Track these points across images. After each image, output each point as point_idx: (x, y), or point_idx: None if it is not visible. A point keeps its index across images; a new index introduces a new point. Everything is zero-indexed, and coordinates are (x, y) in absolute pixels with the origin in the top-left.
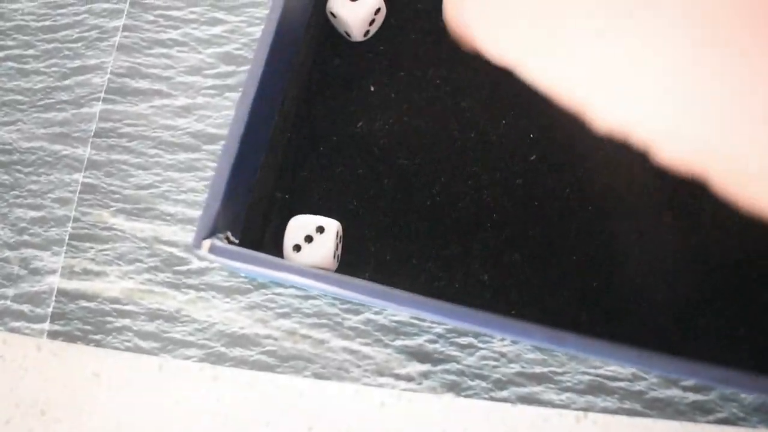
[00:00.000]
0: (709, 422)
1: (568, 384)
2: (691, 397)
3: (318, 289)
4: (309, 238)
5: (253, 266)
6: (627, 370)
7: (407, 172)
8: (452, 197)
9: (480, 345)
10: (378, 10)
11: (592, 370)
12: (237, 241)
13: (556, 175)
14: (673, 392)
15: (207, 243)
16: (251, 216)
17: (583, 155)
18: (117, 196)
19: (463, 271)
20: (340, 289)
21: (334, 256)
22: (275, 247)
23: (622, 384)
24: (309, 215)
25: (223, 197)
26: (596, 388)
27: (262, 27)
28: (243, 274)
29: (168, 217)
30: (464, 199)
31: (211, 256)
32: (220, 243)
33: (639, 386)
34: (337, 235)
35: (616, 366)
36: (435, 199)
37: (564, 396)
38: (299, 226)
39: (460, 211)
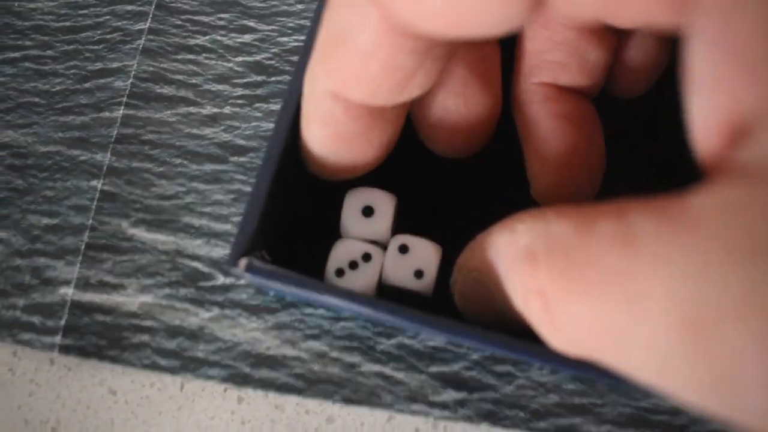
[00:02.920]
0: None
1: (609, 416)
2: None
3: (360, 314)
4: (354, 265)
5: (295, 288)
6: (667, 403)
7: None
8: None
9: (518, 374)
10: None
11: (633, 403)
12: (270, 259)
13: None
14: (716, 426)
15: (244, 261)
16: (284, 233)
17: None
18: (138, 205)
19: None
20: (388, 315)
21: (376, 290)
22: (308, 266)
23: (663, 417)
24: (355, 241)
25: (262, 213)
26: (637, 421)
27: (304, 36)
28: (272, 293)
29: (192, 230)
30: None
31: (248, 276)
32: (257, 262)
33: (681, 420)
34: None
35: (657, 399)
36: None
37: (604, 428)
38: (345, 250)
39: None
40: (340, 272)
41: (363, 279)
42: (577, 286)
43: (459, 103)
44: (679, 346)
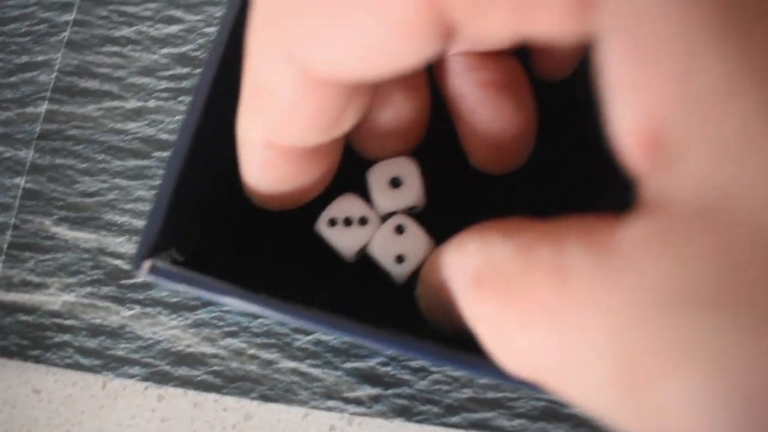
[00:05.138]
0: None
1: (522, 410)
2: None
3: (258, 313)
4: (348, 222)
5: (195, 289)
6: None
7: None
8: None
9: (432, 369)
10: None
11: (545, 396)
12: (182, 259)
13: None
14: None
15: (147, 264)
16: (205, 230)
17: None
18: (60, 203)
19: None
20: (280, 314)
21: (355, 255)
22: (234, 262)
23: (574, 410)
24: (360, 201)
25: (168, 211)
26: (549, 414)
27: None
28: None
29: (114, 228)
30: None
31: (152, 278)
32: (161, 264)
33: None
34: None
35: None
36: None
37: (516, 422)
38: (348, 205)
39: None
40: (332, 222)
41: (349, 239)
42: (518, 318)
43: (387, 113)
44: (611, 389)
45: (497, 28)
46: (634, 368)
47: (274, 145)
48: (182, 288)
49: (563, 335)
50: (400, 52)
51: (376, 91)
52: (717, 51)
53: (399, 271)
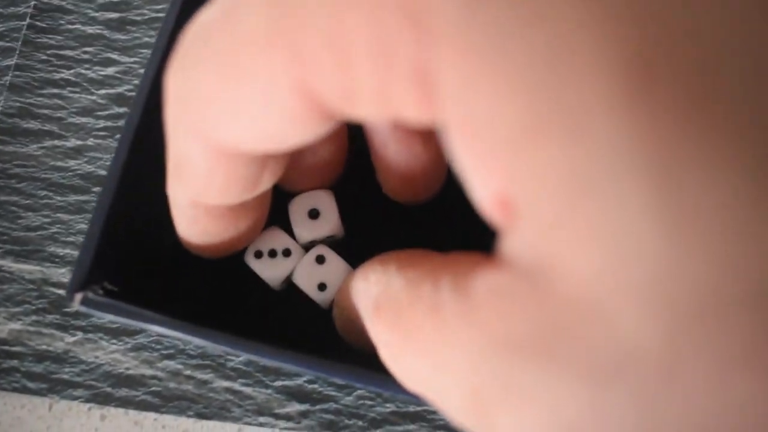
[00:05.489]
0: None
1: (441, 422)
2: None
3: (184, 339)
4: (273, 253)
5: (123, 318)
6: None
7: None
8: None
9: (356, 385)
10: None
11: None
12: (116, 289)
13: None
14: None
15: (79, 296)
16: (137, 261)
17: None
18: (5, 237)
19: None
20: (201, 340)
21: (281, 284)
22: (162, 294)
23: None
24: (284, 234)
25: (99, 244)
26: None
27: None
28: None
29: (57, 259)
30: None
31: (84, 308)
32: (92, 295)
33: None
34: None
35: None
36: None
37: None
38: (272, 238)
39: None
40: (258, 254)
41: (274, 270)
42: (405, 344)
43: (307, 155)
44: (467, 414)
45: (370, 115)
46: (480, 400)
47: (199, 204)
48: (111, 317)
49: (434, 362)
50: (290, 133)
51: (291, 154)
52: (540, 138)
53: (322, 298)
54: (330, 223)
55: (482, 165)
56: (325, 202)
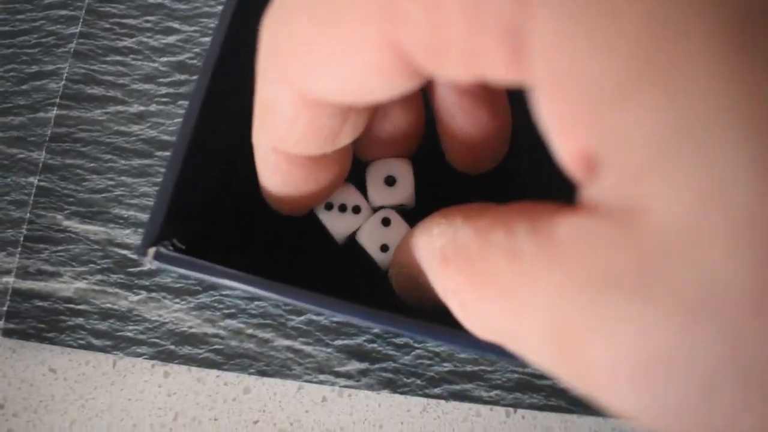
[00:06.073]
0: None
1: (498, 382)
2: None
3: (251, 293)
4: (343, 208)
5: (195, 272)
6: None
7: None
8: None
9: (415, 345)
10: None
11: (520, 369)
12: (183, 247)
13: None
14: None
15: (152, 250)
16: (205, 220)
17: None
18: (71, 199)
19: None
20: (270, 293)
21: (345, 239)
22: (227, 252)
23: (548, 382)
24: (356, 191)
25: (170, 204)
26: (524, 386)
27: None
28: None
29: (121, 221)
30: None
31: (156, 263)
32: (164, 250)
33: (564, 384)
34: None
35: None
36: None
37: (493, 393)
38: (346, 193)
39: None
40: (329, 206)
41: (341, 224)
42: (480, 291)
43: (385, 125)
44: (550, 351)
45: (455, 74)
46: (565, 336)
47: (281, 152)
48: (183, 272)
49: (514, 306)
50: (374, 87)
51: (374, 110)
52: (635, 93)
53: (382, 259)
54: (404, 192)
55: (568, 122)
56: (403, 172)
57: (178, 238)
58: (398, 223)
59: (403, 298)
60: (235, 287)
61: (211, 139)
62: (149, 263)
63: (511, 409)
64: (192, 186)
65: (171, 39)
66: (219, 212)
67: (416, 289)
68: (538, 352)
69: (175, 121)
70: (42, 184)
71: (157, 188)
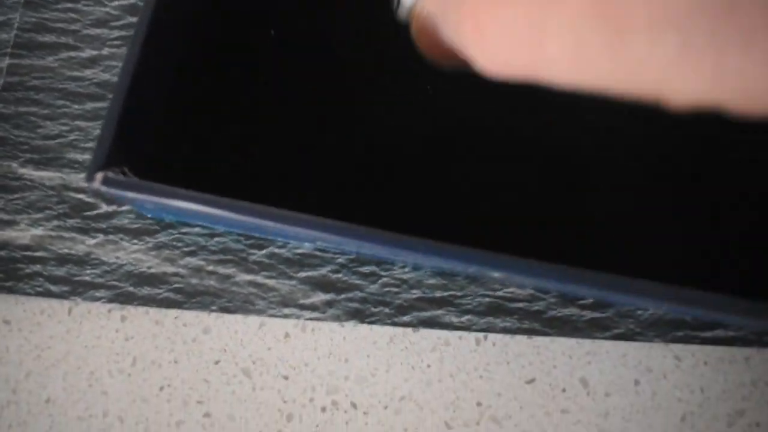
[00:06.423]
0: (606, 338)
1: (468, 307)
2: (589, 315)
3: (207, 219)
4: None
5: (143, 195)
6: (525, 292)
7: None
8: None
9: (382, 273)
10: None
11: (491, 293)
12: (135, 178)
13: None
14: (571, 311)
15: (100, 175)
16: (158, 150)
17: None
18: (25, 147)
19: None
20: (229, 213)
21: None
22: (186, 182)
23: (520, 305)
24: None
25: (116, 129)
26: (496, 310)
27: None
28: (149, 215)
29: (76, 165)
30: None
31: (105, 188)
32: (113, 175)
33: (537, 306)
34: None
35: (514, 288)
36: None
37: (464, 318)
38: None
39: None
40: None
41: None
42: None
43: None
44: (596, 35)
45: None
46: (614, 24)
47: None
48: (131, 195)
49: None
50: None
51: None
52: None
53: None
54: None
55: None
56: None
57: (129, 165)
58: None
59: (427, 55)
60: (189, 209)
61: (159, 60)
62: (97, 186)
63: (481, 337)
64: (140, 111)
65: None
66: (170, 142)
67: (432, 35)
68: (573, 48)
69: None
70: None
71: None
